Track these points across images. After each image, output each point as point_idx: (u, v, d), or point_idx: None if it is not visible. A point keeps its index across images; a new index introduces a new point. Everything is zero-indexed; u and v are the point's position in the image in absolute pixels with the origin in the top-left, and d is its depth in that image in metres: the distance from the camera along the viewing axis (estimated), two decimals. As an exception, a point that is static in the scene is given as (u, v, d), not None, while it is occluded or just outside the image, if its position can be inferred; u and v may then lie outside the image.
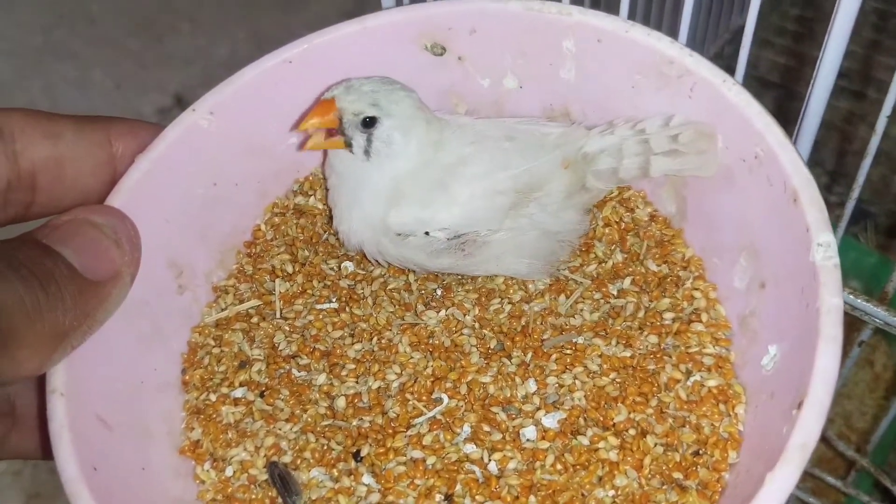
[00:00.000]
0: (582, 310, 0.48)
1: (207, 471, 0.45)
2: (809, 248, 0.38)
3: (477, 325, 0.48)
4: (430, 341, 0.48)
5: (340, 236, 0.50)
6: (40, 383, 0.40)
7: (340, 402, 0.46)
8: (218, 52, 1.66)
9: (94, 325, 0.40)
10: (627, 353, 0.46)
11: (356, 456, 0.44)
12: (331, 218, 0.53)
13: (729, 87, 0.43)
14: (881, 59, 1.11)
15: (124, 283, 0.42)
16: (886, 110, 0.47)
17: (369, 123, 0.47)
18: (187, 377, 0.48)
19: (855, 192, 0.51)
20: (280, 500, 0.44)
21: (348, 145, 0.48)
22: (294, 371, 0.48)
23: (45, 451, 0.41)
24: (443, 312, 0.48)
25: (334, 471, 0.44)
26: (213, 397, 0.47)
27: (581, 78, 0.49)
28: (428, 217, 0.47)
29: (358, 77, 0.48)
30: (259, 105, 0.50)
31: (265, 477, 0.45)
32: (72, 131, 0.44)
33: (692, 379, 0.44)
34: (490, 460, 0.43)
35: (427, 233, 0.47)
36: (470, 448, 0.44)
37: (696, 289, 0.47)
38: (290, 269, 0.51)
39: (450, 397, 0.45)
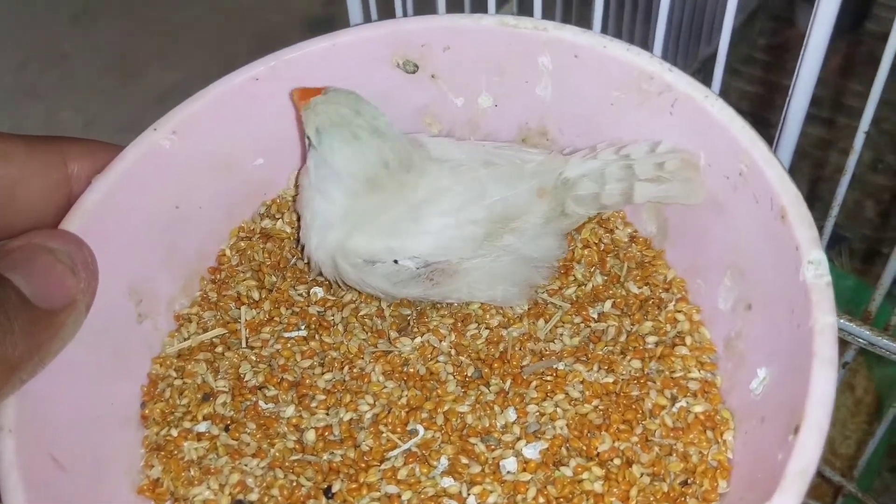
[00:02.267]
0: (562, 334, 0.46)
1: (168, 511, 0.43)
2: (799, 267, 0.36)
3: (453, 351, 0.46)
4: (405, 369, 0.45)
5: (303, 253, 0.48)
6: None
7: (310, 436, 0.44)
8: (190, 90, 1.63)
9: (47, 358, 0.38)
10: (610, 379, 0.44)
11: (327, 492, 0.42)
12: (298, 241, 0.51)
13: (711, 102, 0.41)
14: (850, 86, 1.12)
15: (79, 312, 0.39)
16: (864, 126, 0.46)
17: (310, 141, 0.45)
18: (147, 411, 0.45)
19: (834, 211, 0.50)
20: (246, 540, 0.41)
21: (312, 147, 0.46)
22: (261, 403, 0.45)
23: None
24: (417, 339, 0.46)
25: (304, 509, 0.42)
26: (174, 432, 0.45)
27: (558, 95, 0.48)
28: (398, 246, 0.45)
29: (345, 93, 0.46)
30: (225, 124, 0.48)
31: (230, 516, 0.42)
32: (24, 151, 0.41)
33: (678, 405, 0.43)
34: (469, 494, 0.41)
35: (396, 261, 0.45)
36: (448, 482, 0.41)
37: (680, 311, 0.46)
38: (256, 295, 0.49)
39: (425, 428, 0.43)
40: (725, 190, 0.42)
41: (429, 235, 0.45)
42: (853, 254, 1.02)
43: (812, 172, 1.08)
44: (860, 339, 0.55)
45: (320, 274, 0.48)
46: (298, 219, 0.49)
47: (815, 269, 0.36)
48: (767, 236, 0.39)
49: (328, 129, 0.44)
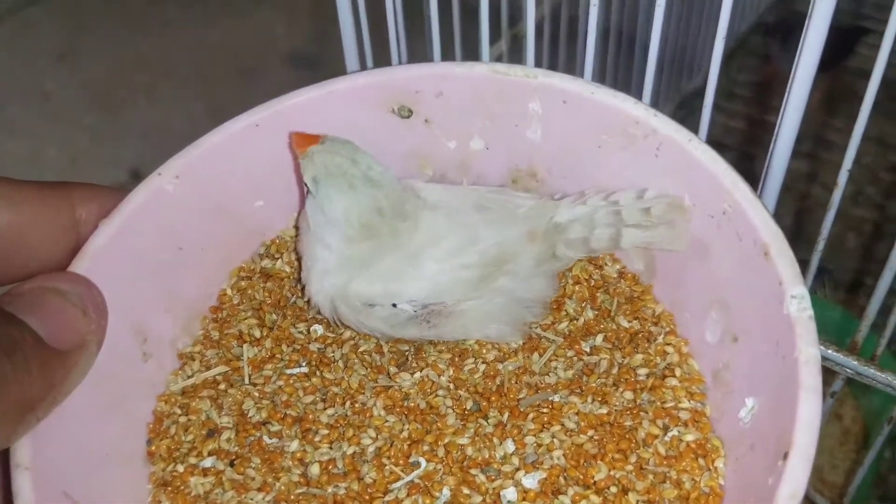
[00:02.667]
0: (556, 368, 0.48)
1: (176, 547, 0.44)
2: (783, 301, 0.38)
3: (452, 385, 0.48)
4: (405, 404, 0.47)
5: (305, 294, 0.50)
6: (3, 458, 0.39)
7: (314, 469, 0.45)
8: (175, 126, 1.65)
9: (61, 396, 0.39)
10: (604, 410, 0.46)
11: (332, 525, 0.43)
12: (297, 281, 0.52)
13: (695, 145, 0.44)
14: (832, 121, 1.16)
15: (91, 352, 0.40)
16: (847, 164, 0.48)
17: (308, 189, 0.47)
18: (153, 448, 0.46)
19: (819, 246, 0.52)
20: (254, 574, 0.42)
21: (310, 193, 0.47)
22: (265, 438, 0.46)
23: None
24: (417, 374, 0.48)
25: (310, 542, 0.43)
26: (180, 468, 0.46)
27: (547, 138, 0.50)
28: (395, 290, 0.47)
29: (342, 143, 0.47)
30: (225, 169, 0.49)
31: (237, 551, 0.43)
32: (34, 197, 0.43)
33: (670, 434, 0.44)
34: (471, 524, 0.42)
35: (394, 304, 0.47)
36: (450, 512, 0.43)
37: (669, 344, 0.48)
38: (257, 333, 0.50)
39: (427, 460, 0.45)
40: (710, 228, 0.44)
41: (425, 280, 0.47)
42: (837, 285, 1.05)
43: (795, 205, 1.11)
44: (847, 369, 0.57)
45: (319, 312, 0.50)
46: (299, 259, 0.51)
47: (799, 303, 0.38)
48: (751, 272, 0.41)
49: (325, 178, 0.46)
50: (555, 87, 0.48)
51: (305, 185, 0.47)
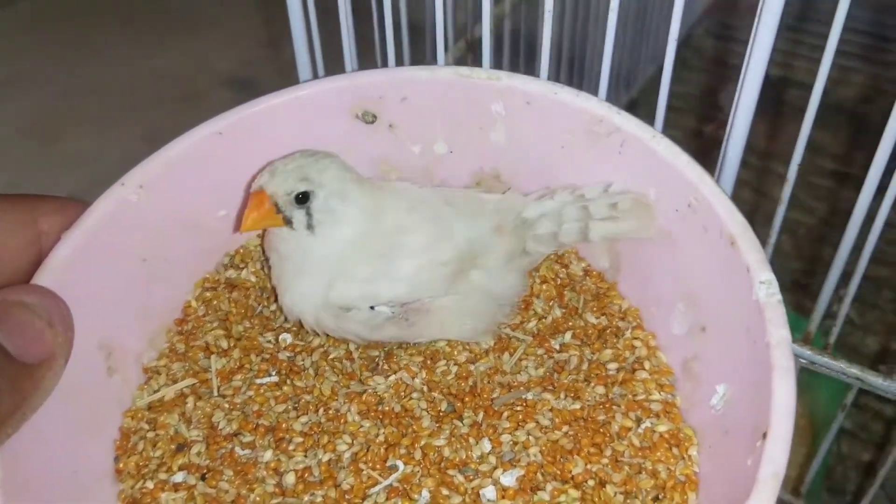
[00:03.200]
0: (527, 366, 0.48)
1: (150, 564, 0.42)
2: (752, 288, 0.39)
3: (426, 388, 0.47)
4: (380, 408, 0.47)
5: (282, 308, 0.49)
6: None
7: (290, 478, 0.44)
8: (112, 153, 1.62)
9: (29, 412, 0.38)
10: (577, 406, 0.46)
11: (311, 533, 0.42)
12: (263, 290, 0.52)
13: (658, 141, 0.45)
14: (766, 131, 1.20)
15: (59, 365, 0.39)
16: (797, 158, 0.50)
17: (303, 199, 0.47)
18: (121, 465, 0.45)
19: (772, 238, 0.54)
20: (232, 587, 0.41)
21: (288, 223, 0.47)
22: (237, 450, 0.46)
23: None
24: (392, 377, 0.47)
25: (289, 551, 0.42)
26: (150, 484, 0.44)
27: (511, 140, 0.51)
28: (372, 292, 0.47)
29: (280, 158, 0.48)
30: (189, 178, 0.49)
31: (213, 565, 0.42)
32: None
33: (643, 426, 0.45)
34: (453, 525, 0.42)
35: (372, 307, 0.47)
36: (431, 514, 0.43)
37: (637, 338, 0.49)
38: (225, 344, 0.49)
39: (405, 463, 0.44)
40: (675, 222, 0.45)
41: (401, 281, 0.47)
42: (780, 286, 1.08)
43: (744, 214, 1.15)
44: (802, 359, 0.58)
45: (290, 322, 0.49)
46: (263, 267, 0.50)
47: (767, 288, 0.39)
48: (718, 262, 0.42)
49: (309, 171, 0.46)
50: (518, 88, 0.48)
51: (297, 198, 0.46)
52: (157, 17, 1.95)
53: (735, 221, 0.41)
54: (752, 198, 1.13)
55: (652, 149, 0.45)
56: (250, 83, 1.76)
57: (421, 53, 0.91)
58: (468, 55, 0.94)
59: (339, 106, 0.50)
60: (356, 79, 0.50)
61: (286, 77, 0.49)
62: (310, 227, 0.47)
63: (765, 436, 0.35)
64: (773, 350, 0.37)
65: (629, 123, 0.46)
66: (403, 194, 0.49)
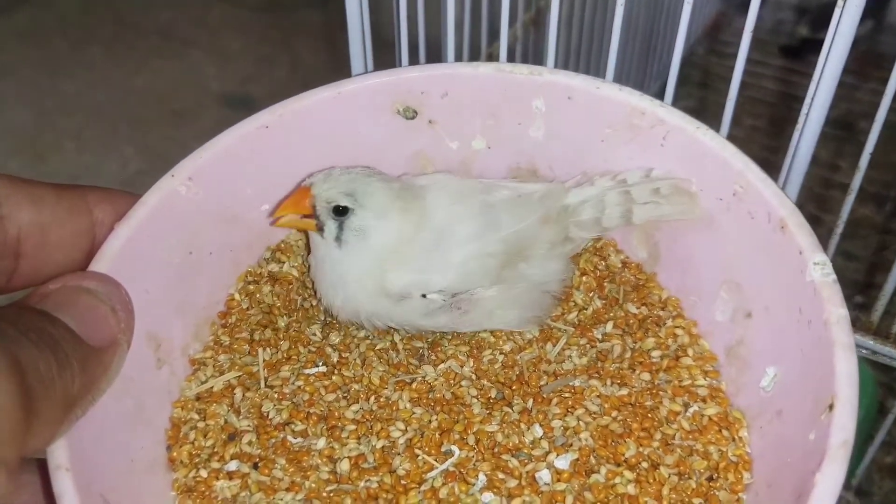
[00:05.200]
0: (570, 356, 0.49)
1: (208, 551, 0.42)
2: (805, 269, 0.40)
3: (474, 376, 0.48)
4: (430, 395, 0.47)
5: (332, 311, 0.50)
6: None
7: (344, 465, 0.44)
8: (107, 169, 1.61)
9: (98, 395, 0.38)
10: (624, 392, 0.47)
11: (369, 518, 0.43)
12: (304, 284, 0.52)
13: (703, 132, 0.46)
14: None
15: (123, 350, 0.39)
16: (869, 148, 0.51)
17: (341, 212, 0.48)
18: (174, 454, 0.45)
19: (839, 229, 0.55)
20: (293, 572, 0.41)
21: (320, 229, 0.48)
22: (289, 438, 0.46)
23: None
24: (441, 366, 0.48)
25: (347, 536, 0.42)
26: (203, 473, 0.44)
27: (550, 135, 0.52)
28: (423, 281, 0.48)
29: (341, 166, 0.49)
30: (235, 171, 0.49)
31: (272, 551, 0.42)
32: (53, 197, 0.42)
33: (691, 410, 0.46)
34: (511, 506, 0.43)
35: (424, 295, 0.48)
36: (488, 497, 0.43)
37: (678, 326, 0.49)
38: (271, 336, 0.50)
39: (459, 449, 0.45)
40: (719, 211, 0.47)
41: (451, 269, 0.48)
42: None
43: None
44: (864, 349, 0.60)
45: (338, 317, 0.50)
46: (304, 262, 0.51)
47: (822, 269, 0.40)
48: (765, 247, 0.44)
49: (356, 186, 0.48)
50: (560, 83, 0.49)
51: (337, 211, 0.48)
52: (150, 35, 1.95)
53: (784, 205, 0.42)
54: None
55: (697, 139, 0.46)
56: (246, 100, 1.77)
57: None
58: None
59: (381, 101, 0.51)
60: (399, 74, 0.51)
61: (282, 94, 0.50)
62: (338, 240, 0.48)
63: (831, 407, 0.36)
64: (833, 327, 0.38)
65: (673, 116, 0.47)
66: (449, 190, 0.49)
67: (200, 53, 1.90)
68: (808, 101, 0.49)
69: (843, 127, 1.28)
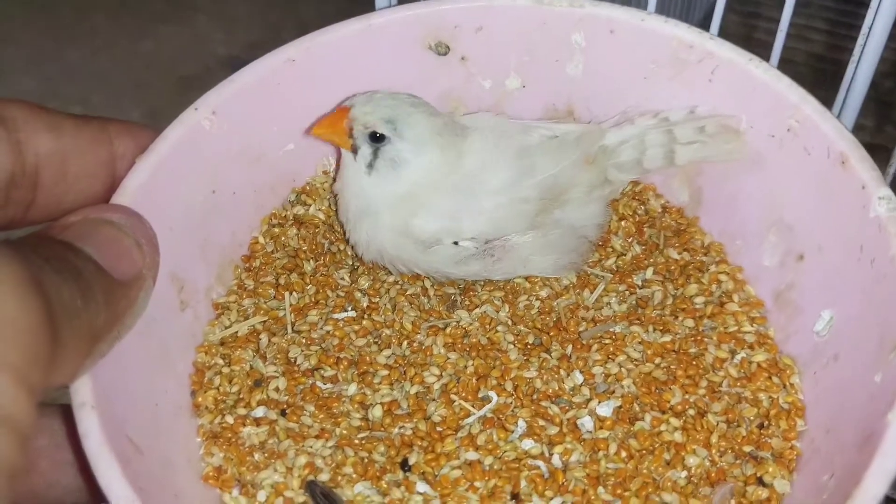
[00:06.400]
0: (609, 302, 0.47)
1: (236, 497, 0.40)
2: (868, 205, 0.38)
3: (510, 321, 0.46)
4: (465, 341, 0.45)
5: (356, 248, 0.48)
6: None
7: (377, 412, 0.43)
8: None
9: (123, 331, 0.35)
10: (667, 338, 0.45)
11: (404, 465, 0.41)
12: (331, 228, 0.50)
13: (756, 64, 0.44)
14: None
15: (148, 286, 0.37)
16: None
17: (378, 139, 0.45)
18: (199, 400, 0.43)
19: (892, 168, 0.53)
20: (326, 519, 0.40)
21: (354, 151, 0.46)
22: (319, 384, 0.44)
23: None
24: (476, 311, 0.46)
25: (381, 483, 0.40)
26: (229, 419, 0.43)
27: (588, 73, 0.49)
28: (455, 227, 0.46)
29: (385, 90, 0.46)
30: (260, 105, 0.47)
31: (303, 499, 0.40)
32: (74, 127, 0.40)
33: (738, 357, 0.44)
34: (553, 454, 0.41)
35: (456, 242, 0.45)
36: (528, 444, 0.41)
37: (722, 272, 0.47)
38: (297, 280, 0.48)
39: (497, 395, 0.43)
40: (769, 149, 0.44)
41: (483, 216, 0.45)
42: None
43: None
44: None
45: (366, 257, 0.48)
46: (331, 205, 0.49)
47: (887, 203, 0.38)
48: (822, 185, 0.41)
49: (397, 114, 0.45)
50: (602, 15, 0.47)
51: (373, 138, 0.45)
52: (155, 1, 1.92)
53: (844, 139, 0.40)
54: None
55: (749, 72, 0.44)
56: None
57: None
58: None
59: (412, 36, 0.49)
60: (432, 6, 0.48)
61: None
62: (370, 167, 0.46)
63: (903, 344, 0.34)
64: (901, 261, 0.36)
65: (723, 48, 0.45)
66: (487, 131, 0.47)
67: (206, 18, 1.87)
68: (865, 28, 0.46)
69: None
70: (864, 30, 0.47)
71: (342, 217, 0.48)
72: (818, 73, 1.33)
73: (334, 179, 0.50)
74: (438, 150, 0.45)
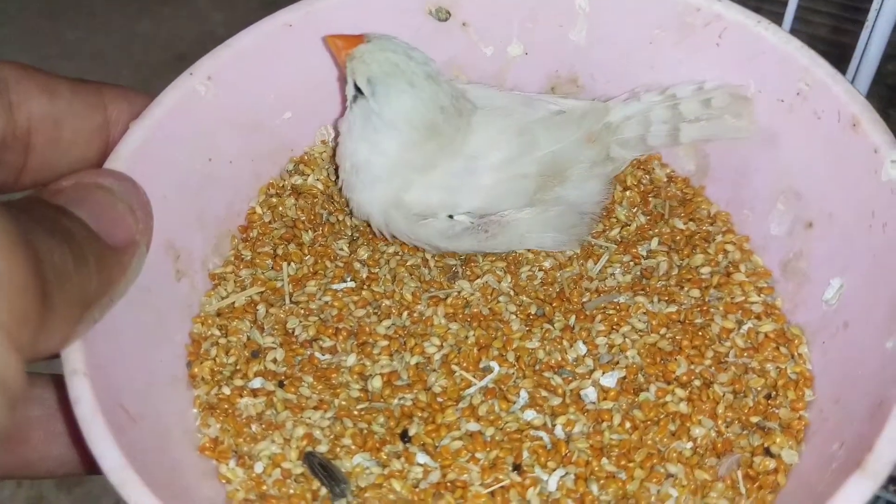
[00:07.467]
0: (613, 273, 0.46)
1: (233, 469, 0.40)
2: (880, 169, 0.37)
3: (513, 292, 0.45)
4: (466, 311, 0.44)
5: (350, 204, 0.46)
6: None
7: (376, 383, 0.42)
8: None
9: (115, 298, 0.35)
10: (672, 309, 0.44)
11: (403, 436, 0.40)
12: (330, 198, 0.49)
13: (765, 26, 0.42)
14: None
15: (141, 252, 0.36)
16: None
17: (358, 90, 0.44)
18: (195, 370, 0.42)
19: None
20: (324, 491, 0.39)
21: (352, 95, 0.45)
22: (317, 355, 0.43)
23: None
24: (478, 281, 0.45)
25: (381, 454, 0.40)
26: (226, 390, 0.42)
27: (592, 39, 0.48)
28: (452, 201, 0.44)
29: (407, 45, 0.44)
30: (256, 72, 0.46)
31: (301, 470, 0.39)
32: (68, 90, 0.39)
33: (745, 327, 0.43)
34: (555, 425, 0.40)
35: (451, 216, 0.44)
36: (531, 415, 0.40)
37: (729, 242, 0.46)
38: (295, 251, 0.47)
39: (499, 365, 0.42)
40: (779, 114, 0.43)
41: (482, 190, 0.44)
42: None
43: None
44: None
45: (363, 222, 0.47)
46: (336, 171, 0.48)
47: (900, 166, 0.37)
48: (832, 149, 0.40)
49: (382, 78, 0.43)
50: (607, -22, 0.46)
51: (356, 88, 0.44)
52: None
53: (856, 101, 0.39)
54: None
55: (758, 34, 0.43)
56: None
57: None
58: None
59: (412, 1, 0.48)
60: (433, -31, 0.47)
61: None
62: (350, 109, 0.45)
63: (916, 310, 0.33)
64: (914, 225, 0.35)
65: (731, 10, 0.43)
66: (491, 110, 0.46)
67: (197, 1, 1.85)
68: (872, 11, 0.45)
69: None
70: (872, 14, 0.46)
71: (344, 187, 0.47)
72: (824, 56, 1.31)
73: (334, 149, 0.49)
74: (417, 136, 0.43)
